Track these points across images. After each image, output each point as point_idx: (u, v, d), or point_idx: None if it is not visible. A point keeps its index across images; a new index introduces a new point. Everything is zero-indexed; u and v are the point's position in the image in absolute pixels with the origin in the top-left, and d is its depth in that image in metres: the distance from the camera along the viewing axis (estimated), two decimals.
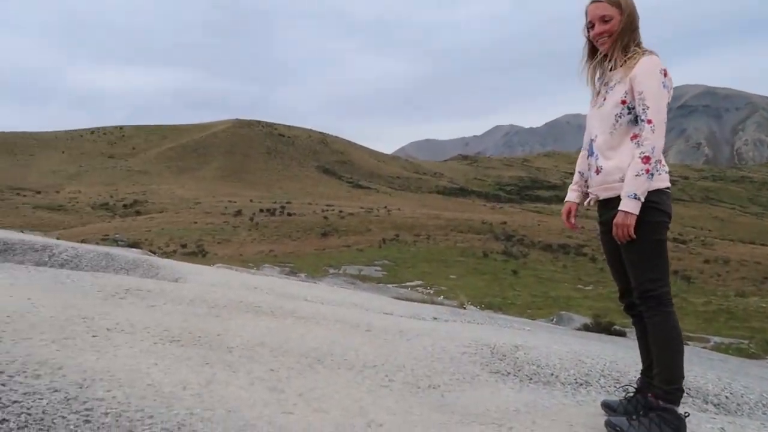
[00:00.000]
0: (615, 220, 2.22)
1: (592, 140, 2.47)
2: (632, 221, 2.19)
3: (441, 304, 9.38)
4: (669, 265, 2.32)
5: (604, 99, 2.38)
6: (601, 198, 2.43)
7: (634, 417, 2.22)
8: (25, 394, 2.02)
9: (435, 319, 5.94)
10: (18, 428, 1.86)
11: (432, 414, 2.51)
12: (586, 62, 2.49)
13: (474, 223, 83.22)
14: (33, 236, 7.37)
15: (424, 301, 9.00)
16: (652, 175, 2.21)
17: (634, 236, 2.20)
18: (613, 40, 2.33)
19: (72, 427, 1.93)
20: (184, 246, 64.00)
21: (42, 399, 2.01)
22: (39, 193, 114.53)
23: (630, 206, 2.19)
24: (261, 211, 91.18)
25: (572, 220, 2.59)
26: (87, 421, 1.97)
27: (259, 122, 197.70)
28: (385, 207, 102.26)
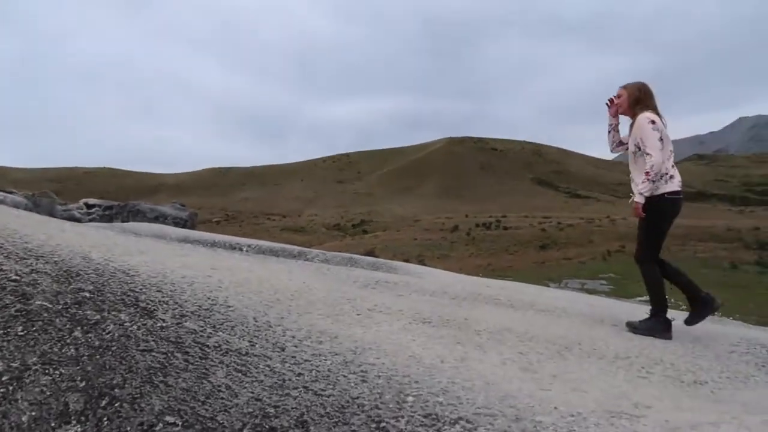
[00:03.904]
0: (632, 206, 3.71)
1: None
2: (638, 207, 3.64)
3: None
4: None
5: (630, 142, 3.86)
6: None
7: (642, 320, 3.64)
8: (313, 355, 2.33)
9: None
10: (311, 381, 2.15)
11: (705, 404, 2.28)
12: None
13: (717, 230, 73.35)
14: (287, 245, 8.46)
15: None
16: (653, 182, 3.62)
17: (642, 214, 3.65)
18: (622, 108, 3.92)
19: (352, 383, 2.17)
20: (406, 260, 67.09)
21: (326, 360, 2.30)
22: (285, 216, 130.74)
23: (639, 199, 3.64)
24: (477, 225, 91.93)
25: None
26: (364, 381, 2.20)
27: (470, 138, 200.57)
28: (608, 216, 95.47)
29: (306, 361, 2.28)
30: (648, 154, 3.61)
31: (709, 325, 4.61)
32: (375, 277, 4.19)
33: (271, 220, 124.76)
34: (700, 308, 3.70)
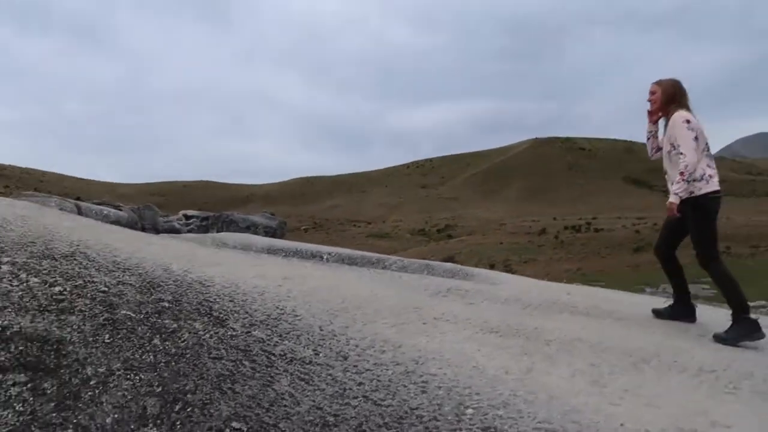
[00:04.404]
0: (666, 205, 3.70)
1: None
2: (674, 207, 3.65)
3: None
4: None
5: (666, 142, 3.88)
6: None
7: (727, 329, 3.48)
8: (375, 364, 2.36)
9: None
10: (371, 390, 2.18)
11: None
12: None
13: None
14: (367, 252, 8.58)
15: None
16: (687, 182, 3.61)
17: (677, 214, 3.67)
18: (656, 106, 3.91)
19: (412, 394, 2.18)
20: (492, 266, 66.28)
21: (387, 369, 2.32)
22: (370, 223, 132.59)
23: (674, 199, 3.64)
24: (565, 228, 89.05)
25: None
26: (423, 392, 2.20)
27: (557, 139, 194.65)
28: None
29: (367, 370, 2.31)
30: (682, 153, 3.60)
31: None
32: (447, 284, 4.18)
33: (356, 227, 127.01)
34: (679, 311, 3.93)
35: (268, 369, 2.26)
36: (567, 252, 73.47)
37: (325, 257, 8.29)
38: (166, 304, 2.59)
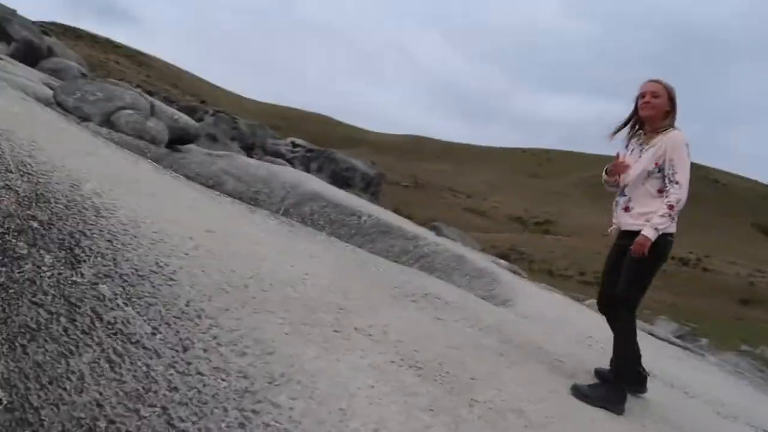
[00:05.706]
0: (638, 240, 2.90)
1: (625, 185, 3.12)
2: (649, 244, 2.89)
3: None
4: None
5: (639, 156, 3.10)
6: (623, 228, 3.11)
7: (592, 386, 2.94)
8: (215, 368, 1.87)
9: None
10: (177, 404, 1.70)
11: None
12: (628, 126, 3.21)
13: None
14: (410, 225, 7.94)
15: None
16: (673, 218, 2.96)
17: (645, 254, 2.91)
18: (656, 112, 3.04)
19: (224, 427, 1.67)
20: (582, 273, 63.21)
21: (222, 382, 1.82)
22: (470, 197, 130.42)
23: (651, 234, 2.89)
24: (672, 258, 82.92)
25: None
26: (242, 425, 1.68)
27: (692, 164, 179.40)
28: None
29: (198, 374, 1.82)
30: (677, 183, 2.93)
31: None
32: (429, 288, 3.53)
33: (455, 197, 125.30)
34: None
35: (81, 336, 1.83)
36: (665, 282, 68.28)
37: (363, 219, 7.82)
38: (35, 225, 2.22)
